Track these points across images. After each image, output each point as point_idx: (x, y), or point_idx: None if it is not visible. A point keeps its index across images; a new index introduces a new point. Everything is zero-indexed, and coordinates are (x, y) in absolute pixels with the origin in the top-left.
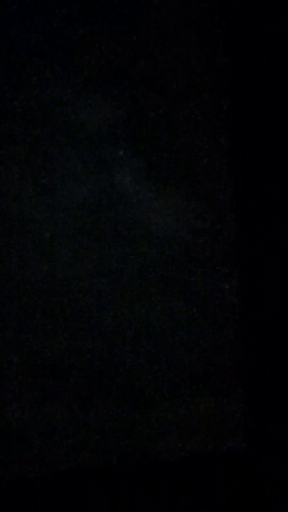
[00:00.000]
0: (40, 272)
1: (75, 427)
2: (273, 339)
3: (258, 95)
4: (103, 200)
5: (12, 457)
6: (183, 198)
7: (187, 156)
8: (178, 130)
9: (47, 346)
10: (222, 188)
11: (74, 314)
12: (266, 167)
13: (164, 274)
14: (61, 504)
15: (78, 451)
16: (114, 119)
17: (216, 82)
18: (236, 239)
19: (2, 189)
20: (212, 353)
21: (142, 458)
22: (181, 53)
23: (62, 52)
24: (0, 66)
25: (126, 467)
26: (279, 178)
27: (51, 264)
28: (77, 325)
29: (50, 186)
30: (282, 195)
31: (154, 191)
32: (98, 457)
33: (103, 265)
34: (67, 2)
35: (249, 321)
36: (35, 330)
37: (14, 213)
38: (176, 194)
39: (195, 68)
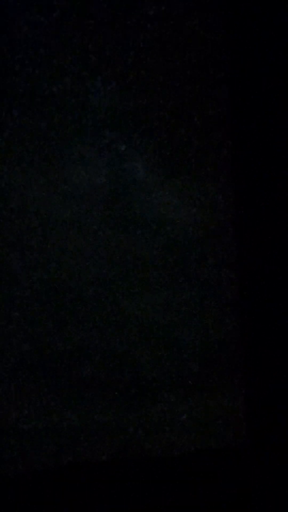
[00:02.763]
0: (47, 260)
1: (78, 420)
2: (275, 335)
3: (261, 83)
4: (114, 187)
5: (15, 452)
6: (194, 185)
7: (197, 144)
8: (189, 120)
9: (52, 338)
10: (234, 175)
11: (79, 304)
12: (272, 158)
13: (173, 263)
14: (62, 498)
15: (77, 445)
16: (125, 108)
17: (221, 72)
18: (248, 228)
19: (13, 179)
20: (215, 347)
21: (141, 452)
22: (189, 41)
23: (72, 42)
24: (8, 56)
25: (124, 462)
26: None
27: (59, 252)
28: (82, 316)
29: (61, 174)
30: None
31: (164, 179)
32: (97, 452)
33: (110, 254)
34: None
35: (251, 317)
36: (40, 321)
37: (24, 202)
38: (187, 181)
39: (204, 59)
